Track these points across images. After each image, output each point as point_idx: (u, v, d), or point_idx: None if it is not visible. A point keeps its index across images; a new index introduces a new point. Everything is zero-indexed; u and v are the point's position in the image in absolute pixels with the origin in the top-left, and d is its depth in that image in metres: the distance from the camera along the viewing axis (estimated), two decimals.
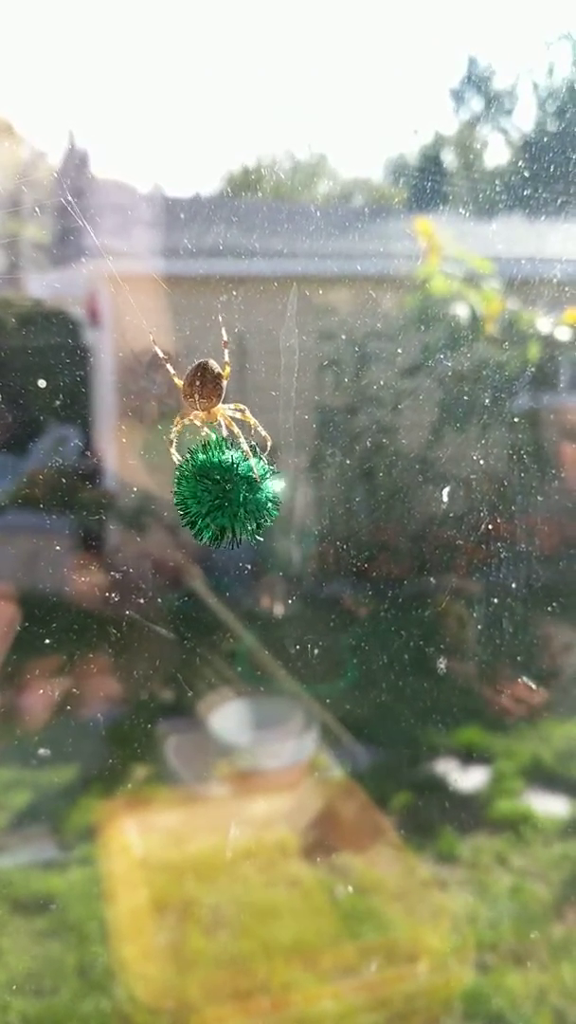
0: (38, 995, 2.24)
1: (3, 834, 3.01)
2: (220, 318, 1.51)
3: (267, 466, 1.22)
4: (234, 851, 2.79)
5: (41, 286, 9.35)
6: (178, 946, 2.41)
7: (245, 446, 1.21)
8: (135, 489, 5.71)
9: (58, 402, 6.84)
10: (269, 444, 1.30)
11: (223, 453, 1.17)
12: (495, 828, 3.04)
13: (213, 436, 1.22)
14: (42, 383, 4.32)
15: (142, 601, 4.89)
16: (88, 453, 6.47)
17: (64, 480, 6.07)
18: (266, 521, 1.19)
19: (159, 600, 5.07)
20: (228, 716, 3.79)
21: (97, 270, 6.28)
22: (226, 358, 1.32)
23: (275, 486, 1.22)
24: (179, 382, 1.33)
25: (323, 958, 2.39)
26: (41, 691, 3.40)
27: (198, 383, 1.23)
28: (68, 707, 3.44)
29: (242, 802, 3.36)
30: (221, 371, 1.26)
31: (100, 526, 5.45)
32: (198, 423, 1.28)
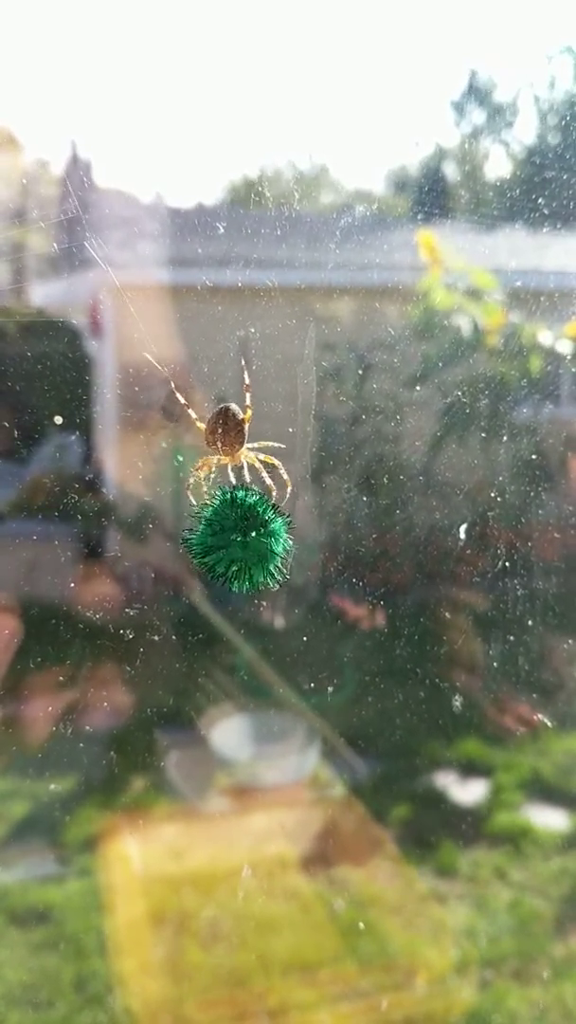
0: (35, 1008, 2.22)
1: (1, 845, 3.00)
2: (242, 360, 1.49)
3: (284, 516, 1.20)
4: (234, 867, 2.78)
5: (43, 295, 9.39)
6: (175, 960, 2.40)
7: (270, 490, 1.19)
8: (136, 499, 5.71)
9: (59, 410, 6.85)
10: (290, 490, 1.29)
11: (244, 500, 1.14)
12: (494, 842, 3.03)
13: (233, 479, 1.20)
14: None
15: (143, 609, 4.91)
16: (89, 461, 6.48)
17: (65, 488, 6.07)
18: (280, 570, 1.17)
19: (160, 609, 5.08)
20: (229, 731, 3.79)
21: (99, 280, 6.30)
22: (247, 401, 1.30)
23: (285, 536, 1.20)
24: (201, 425, 1.30)
25: (321, 973, 2.37)
26: (42, 702, 3.39)
27: (220, 429, 1.21)
28: (69, 718, 3.43)
29: (242, 817, 3.37)
30: (243, 415, 1.23)
31: (101, 534, 5.45)
32: (222, 463, 1.26)
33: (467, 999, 2.28)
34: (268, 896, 2.66)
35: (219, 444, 1.15)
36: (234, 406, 1.21)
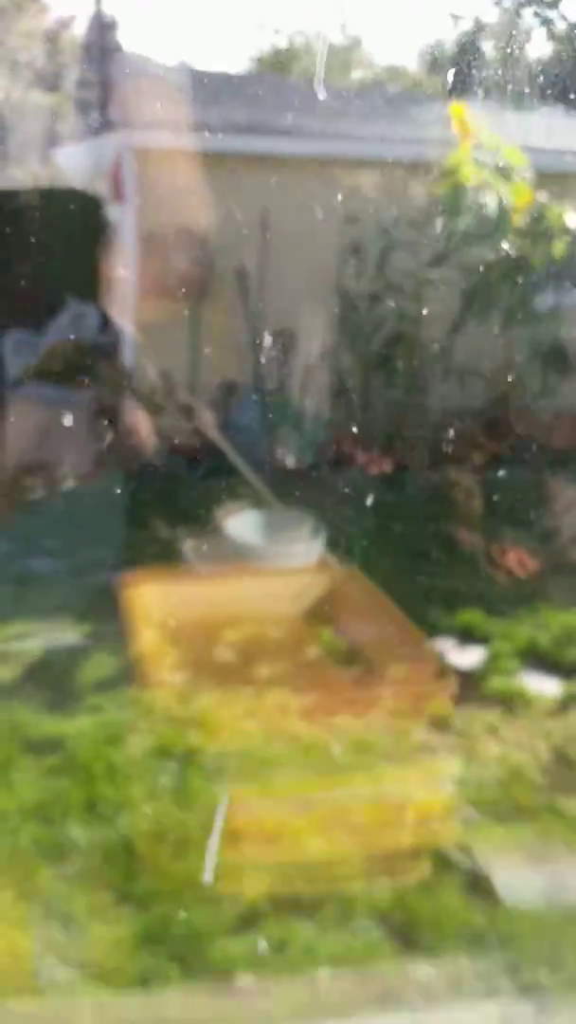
0: (47, 823, 2.38)
1: (17, 681, 3.14)
2: None
3: None
4: (238, 709, 2.92)
5: (64, 159, 9.12)
6: (180, 788, 2.55)
7: None
8: (152, 366, 5.71)
9: (78, 278, 6.78)
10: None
11: None
12: (488, 703, 3.15)
13: None
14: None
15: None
16: (106, 329, 6.46)
17: (82, 355, 6.07)
18: None
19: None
20: (243, 523, 4.03)
21: (122, 144, 6.14)
22: None
23: None
24: None
25: (317, 806, 2.52)
26: None
27: None
28: None
29: (253, 581, 3.69)
30: None
31: (116, 400, 5.49)
32: None
33: (451, 834, 2.43)
34: (270, 738, 2.81)
35: None
36: None
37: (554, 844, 2.49)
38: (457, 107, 5.28)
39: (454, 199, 5.09)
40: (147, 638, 3.19)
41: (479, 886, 2.26)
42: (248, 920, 2.10)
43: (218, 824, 2.27)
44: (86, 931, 2.04)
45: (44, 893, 2.14)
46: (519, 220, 5.27)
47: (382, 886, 2.21)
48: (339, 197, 5.42)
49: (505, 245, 5.23)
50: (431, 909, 2.16)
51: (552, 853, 2.43)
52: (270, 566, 3.87)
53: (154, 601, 3.36)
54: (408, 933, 2.11)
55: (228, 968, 1.98)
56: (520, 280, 5.34)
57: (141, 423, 5.31)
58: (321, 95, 6.36)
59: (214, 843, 2.21)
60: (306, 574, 3.74)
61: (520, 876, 2.31)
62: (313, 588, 3.60)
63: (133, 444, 5.17)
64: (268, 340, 5.70)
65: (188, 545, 3.96)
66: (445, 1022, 1.91)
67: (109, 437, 5.23)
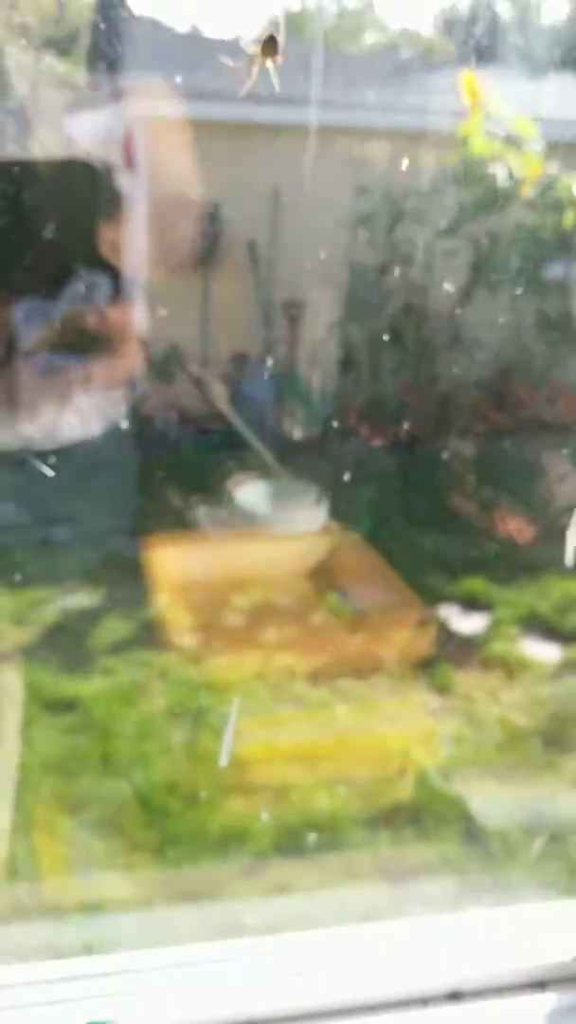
0: (66, 776, 2.51)
1: (34, 645, 3.26)
2: None
3: None
4: (245, 672, 3.04)
5: (75, 127, 9.13)
6: (191, 745, 2.68)
7: None
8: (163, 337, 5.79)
9: (89, 248, 6.84)
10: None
11: None
12: (489, 667, 3.26)
13: None
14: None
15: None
16: (117, 300, 6.52)
17: (94, 324, 6.15)
18: None
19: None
20: (251, 492, 4.24)
21: (133, 112, 6.17)
22: None
23: None
24: None
25: (322, 764, 2.65)
26: None
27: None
28: None
29: (258, 545, 3.88)
30: None
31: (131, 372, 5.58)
32: None
33: (450, 792, 2.55)
34: (277, 700, 2.93)
35: None
36: None
37: (540, 785, 2.63)
38: (468, 77, 5.29)
39: (464, 170, 5.12)
40: (164, 600, 3.33)
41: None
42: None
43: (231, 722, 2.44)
44: (103, 874, 2.18)
45: (64, 840, 2.28)
46: (528, 191, 5.29)
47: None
48: (349, 166, 5.46)
49: (514, 216, 5.27)
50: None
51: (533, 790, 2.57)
52: (277, 532, 4.00)
53: (171, 564, 3.51)
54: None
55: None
56: (528, 251, 5.38)
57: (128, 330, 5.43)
58: (320, 63, 6.37)
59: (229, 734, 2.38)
60: (309, 538, 3.87)
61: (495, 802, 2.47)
62: (316, 552, 3.74)
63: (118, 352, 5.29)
64: (278, 311, 5.77)
65: (201, 512, 4.10)
66: None
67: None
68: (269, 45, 1.30)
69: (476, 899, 2.13)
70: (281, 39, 1.33)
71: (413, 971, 1.15)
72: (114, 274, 6.53)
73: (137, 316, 6.10)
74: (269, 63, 1.29)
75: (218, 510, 4.08)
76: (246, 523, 4.02)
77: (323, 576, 3.67)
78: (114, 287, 6.65)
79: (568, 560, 1.37)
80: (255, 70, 1.32)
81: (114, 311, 5.39)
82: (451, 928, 1.23)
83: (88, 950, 1.68)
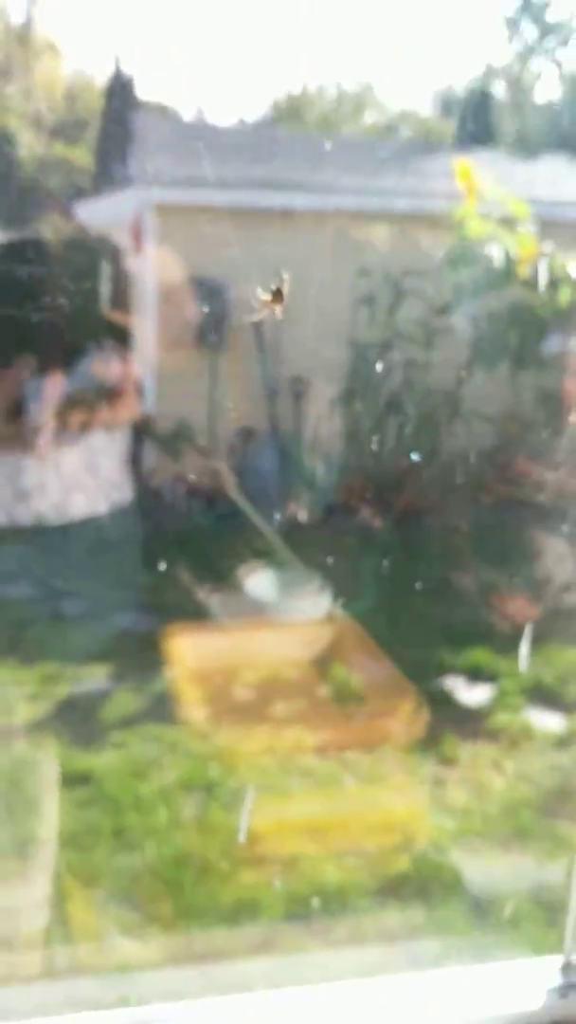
0: (80, 850, 2.56)
1: (47, 719, 3.33)
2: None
3: None
4: (254, 744, 3.10)
5: (86, 212, 9.43)
6: (201, 818, 2.72)
7: None
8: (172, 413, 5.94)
9: (98, 326, 7.05)
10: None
11: None
12: (494, 737, 3.31)
13: None
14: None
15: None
16: (126, 376, 6.70)
17: (101, 401, 6.31)
18: None
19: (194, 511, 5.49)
20: (259, 580, 4.34)
21: (141, 198, 6.43)
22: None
23: None
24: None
25: (330, 835, 2.69)
26: None
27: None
28: None
29: (268, 634, 4.01)
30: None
31: (138, 446, 5.73)
32: None
33: (451, 864, 2.59)
34: (285, 772, 2.98)
35: None
36: None
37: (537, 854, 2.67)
38: (462, 165, 5.52)
39: (460, 251, 5.32)
40: (182, 684, 3.43)
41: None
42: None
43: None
44: (117, 947, 2.22)
45: (78, 914, 2.32)
46: (524, 270, 5.48)
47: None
48: (351, 248, 5.67)
49: (511, 295, 5.44)
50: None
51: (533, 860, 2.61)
52: (284, 620, 4.16)
53: (185, 653, 3.64)
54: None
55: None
56: (526, 328, 5.55)
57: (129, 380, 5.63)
58: (321, 149, 6.64)
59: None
60: (313, 627, 4.04)
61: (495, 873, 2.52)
62: (319, 641, 3.86)
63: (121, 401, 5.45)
64: (283, 388, 5.93)
65: (213, 600, 4.22)
66: None
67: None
68: (277, 296, 1.70)
69: (460, 957, 2.20)
70: (286, 291, 1.75)
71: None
72: (122, 347, 6.73)
73: (135, 369, 6.30)
74: (277, 308, 1.68)
75: (229, 597, 4.21)
76: (255, 611, 4.15)
77: (325, 662, 3.78)
78: (122, 365, 6.85)
79: None
80: (264, 311, 1.73)
81: (116, 365, 5.59)
82: (437, 983, 1.31)
83: (125, 1002, 1.74)
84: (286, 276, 1.72)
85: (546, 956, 1.32)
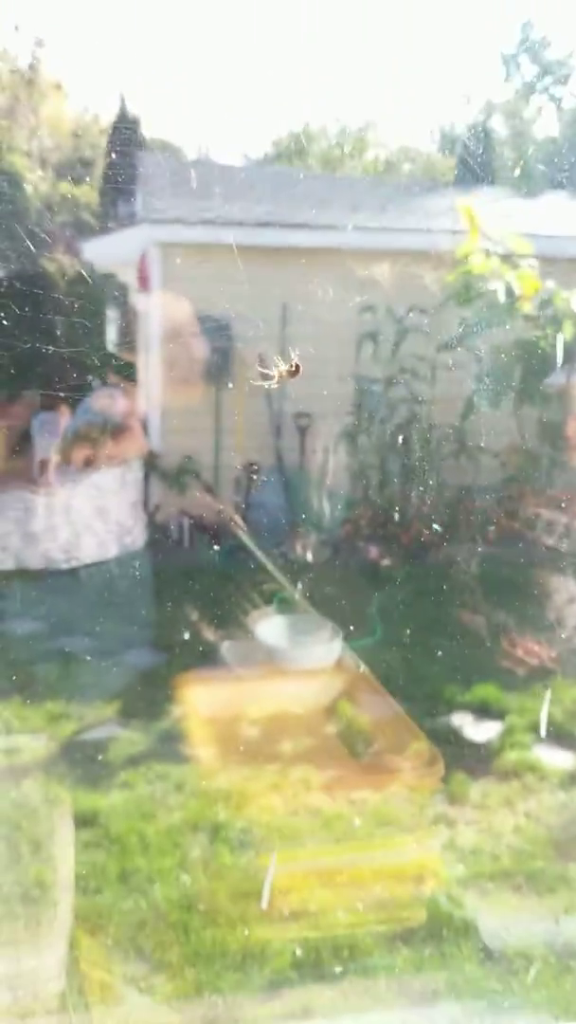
0: (86, 894, 2.53)
1: (53, 759, 3.30)
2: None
3: None
4: (262, 784, 3.07)
5: (92, 250, 9.54)
6: (209, 861, 2.69)
7: None
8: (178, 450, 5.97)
9: (105, 364, 7.11)
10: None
11: None
12: (503, 776, 3.28)
13: None
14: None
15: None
16: (132, 413, 6.73)
17: (107, 438, 6.34)
18: None
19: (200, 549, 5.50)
20: (270, 626, 4.37)
21: (147, 236, 6.49)
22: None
23: None
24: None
25: (339, 878, 2.66)
26: None
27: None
28: None
29: (280, 682, 4.03)
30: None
31: (144, 482, 5.74)
32: None
33: (468, 904, 2.55)
34: (293, 812, 2.95)
35: None
36: None
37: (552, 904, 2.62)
38: (465, 204, 5.56)
39: (463, 288, 5.35)
40: (196, 731, 3.42)
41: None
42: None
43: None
44: (122, 1001, 2.18)
45: (83, 963, 2.28)
46: (527, 306, 5.51)
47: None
48: (354, 286, 5.72)
49: (514, 331, 5.47)
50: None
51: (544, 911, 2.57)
52: (295, 668, 4.17)
53: (197, 701, 3.67)
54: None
55: None
56: (529, 363, 5.57)
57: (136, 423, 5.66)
58: (324, 187, 6.71)
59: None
60: (324, 676, 4.04)
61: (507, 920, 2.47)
62: (330, 690, 3.88)
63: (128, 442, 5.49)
64: (288, 423, 5.96)
65: (225, 647, 4.21)
66: None
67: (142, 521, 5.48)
68: (293, 371, 1.87)
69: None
70: (302, 368, 1.89)
71: None
72: (127, 384, 6.77)
73: (140, 405, 6.33)
74: (292, 379, 1.86)
75: (236, 641, 4.20)
76: (266, 658, 4.16)
77: (334, 701, 3.78)
78: (128, 401, 6.88)
79: None
80: (279, 379, 1.89)
81: (121, 401, 5.63)
82: None
83: None
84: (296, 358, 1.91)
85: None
